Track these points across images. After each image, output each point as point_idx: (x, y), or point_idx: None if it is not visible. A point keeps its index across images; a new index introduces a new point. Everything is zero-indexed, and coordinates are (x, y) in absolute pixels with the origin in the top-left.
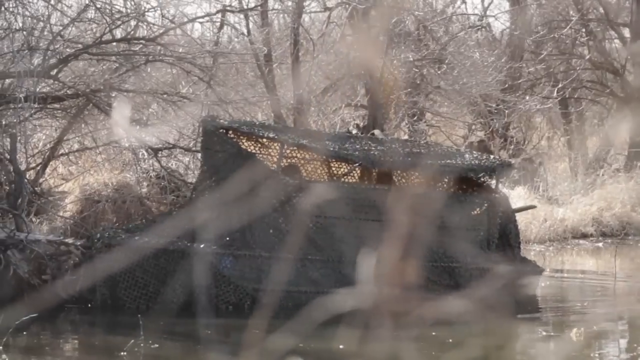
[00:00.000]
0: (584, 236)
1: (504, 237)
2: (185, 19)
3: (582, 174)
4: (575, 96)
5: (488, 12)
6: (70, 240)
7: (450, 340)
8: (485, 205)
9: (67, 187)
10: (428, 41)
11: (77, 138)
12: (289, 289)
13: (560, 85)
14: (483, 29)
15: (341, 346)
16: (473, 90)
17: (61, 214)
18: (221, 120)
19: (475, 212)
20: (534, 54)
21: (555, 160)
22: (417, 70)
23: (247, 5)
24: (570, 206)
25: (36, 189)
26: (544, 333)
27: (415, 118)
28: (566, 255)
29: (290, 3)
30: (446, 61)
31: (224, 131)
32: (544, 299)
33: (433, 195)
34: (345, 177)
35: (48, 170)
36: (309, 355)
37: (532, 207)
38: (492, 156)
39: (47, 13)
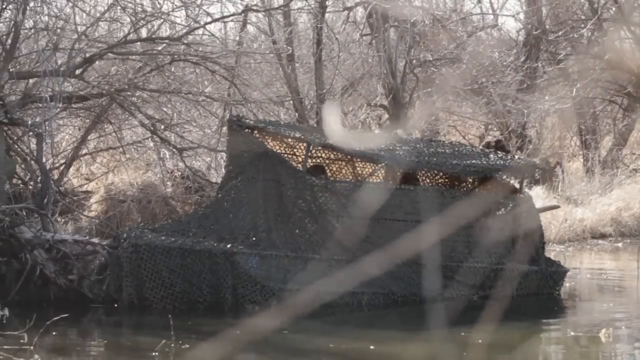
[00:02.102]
0: (603, 236)
1: (529, 237)
2: (209, 19)
3: (599, 173)
4: (590, 96)
5: (498, 12)
6: (96, 240)
7: (480, 341)
8: (510, 205)
9: (91, 187)
10: (443, 40)
11: (100, 138)
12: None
13: (578, 85)
14: (497, 28)
15: (372, 347)
16: (491, 90)
17: (86, 213)
18: (247, 120)
19: (500, 212)
20: (551, 53)
21: (567, 160)
22: (435, 69)
23: (271, 5)
24: (589, 206)
25: (60, 188)
26: (572, 333)
27: (433, 118)
28: (586, 255)
29: (312, 2)
30: (464, 61)
31: (250, 131)
32: (568, 299)
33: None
34: (370, 177)
35: (71, 170)
36: (338, 355)
37: (556, 207)
38: (516, 156)
39: (71, 13)
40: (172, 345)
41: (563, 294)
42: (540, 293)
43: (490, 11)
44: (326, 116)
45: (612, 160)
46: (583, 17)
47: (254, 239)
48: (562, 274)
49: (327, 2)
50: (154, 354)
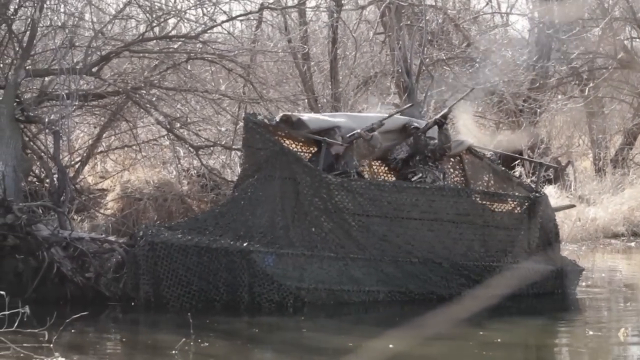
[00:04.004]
0: (615, 236)
1: (545, 236)
2: (224, 17)
3: (610, 173)
4: (600, 95)
5: (509, 11)
6: (113, 238)
7: (499, 340)
8: (526, 204)
9: (107, 185)
10: (452, 40)
11: (116, 135)
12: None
13: (591, 84)
14: (508, 27)
15: (390, 345)
16: (503, 89)
17: (102, 211)
18: (263, 118)
19: (517, 211)
20: (563, 53)
21: (575, 159)
22: (448, 68)
23: (286, 3)
24: (601, 205)
25: (76, 186)
26: (591, 332)
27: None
28: (599, 254)
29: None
30: (477, 59)
31: (265, 128)
32: (584, 298)
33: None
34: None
35: (87, 167)
36: (357, 354)
37: (572, 206)
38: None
39: (88, 10)
40: (192, 343)
41: (579, 293)
42: (556, 292)
43: (501, 10)
44: (459, 116)
45: (622, 159)
46: (594, 17)
47: (270, 237)
48: (578, 272)
49: (342, 1)
50: (173, 352)
